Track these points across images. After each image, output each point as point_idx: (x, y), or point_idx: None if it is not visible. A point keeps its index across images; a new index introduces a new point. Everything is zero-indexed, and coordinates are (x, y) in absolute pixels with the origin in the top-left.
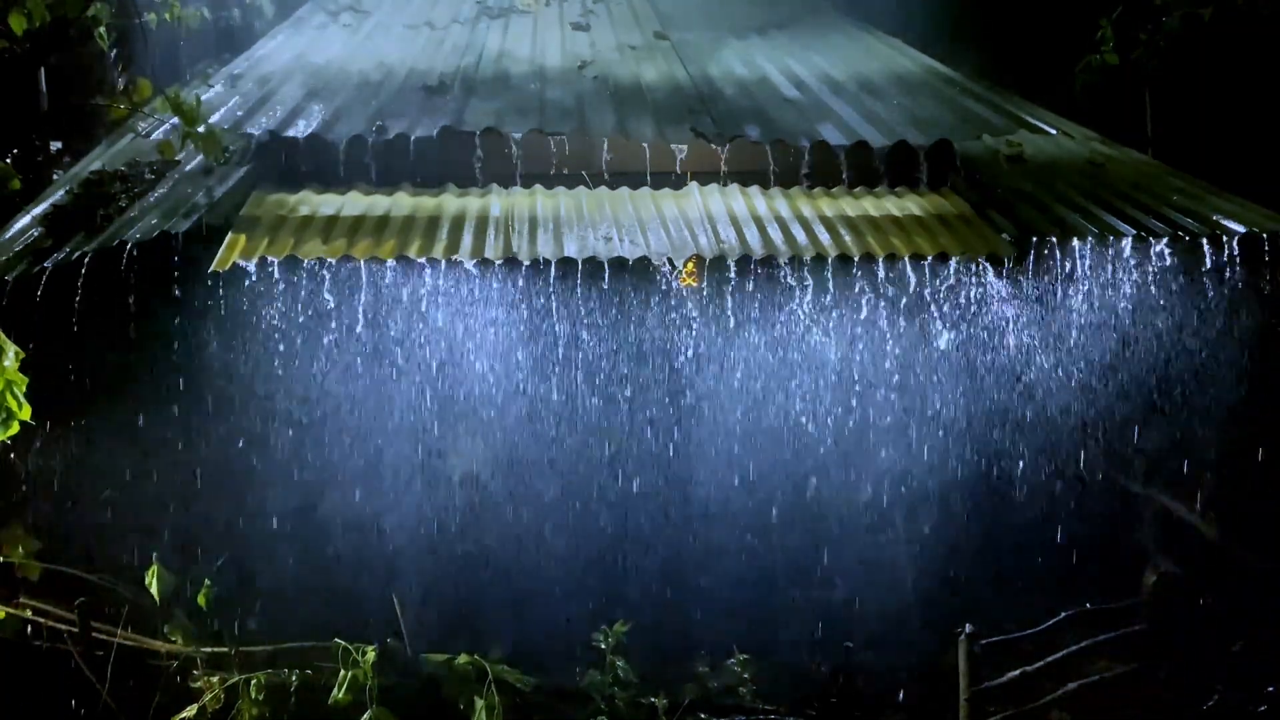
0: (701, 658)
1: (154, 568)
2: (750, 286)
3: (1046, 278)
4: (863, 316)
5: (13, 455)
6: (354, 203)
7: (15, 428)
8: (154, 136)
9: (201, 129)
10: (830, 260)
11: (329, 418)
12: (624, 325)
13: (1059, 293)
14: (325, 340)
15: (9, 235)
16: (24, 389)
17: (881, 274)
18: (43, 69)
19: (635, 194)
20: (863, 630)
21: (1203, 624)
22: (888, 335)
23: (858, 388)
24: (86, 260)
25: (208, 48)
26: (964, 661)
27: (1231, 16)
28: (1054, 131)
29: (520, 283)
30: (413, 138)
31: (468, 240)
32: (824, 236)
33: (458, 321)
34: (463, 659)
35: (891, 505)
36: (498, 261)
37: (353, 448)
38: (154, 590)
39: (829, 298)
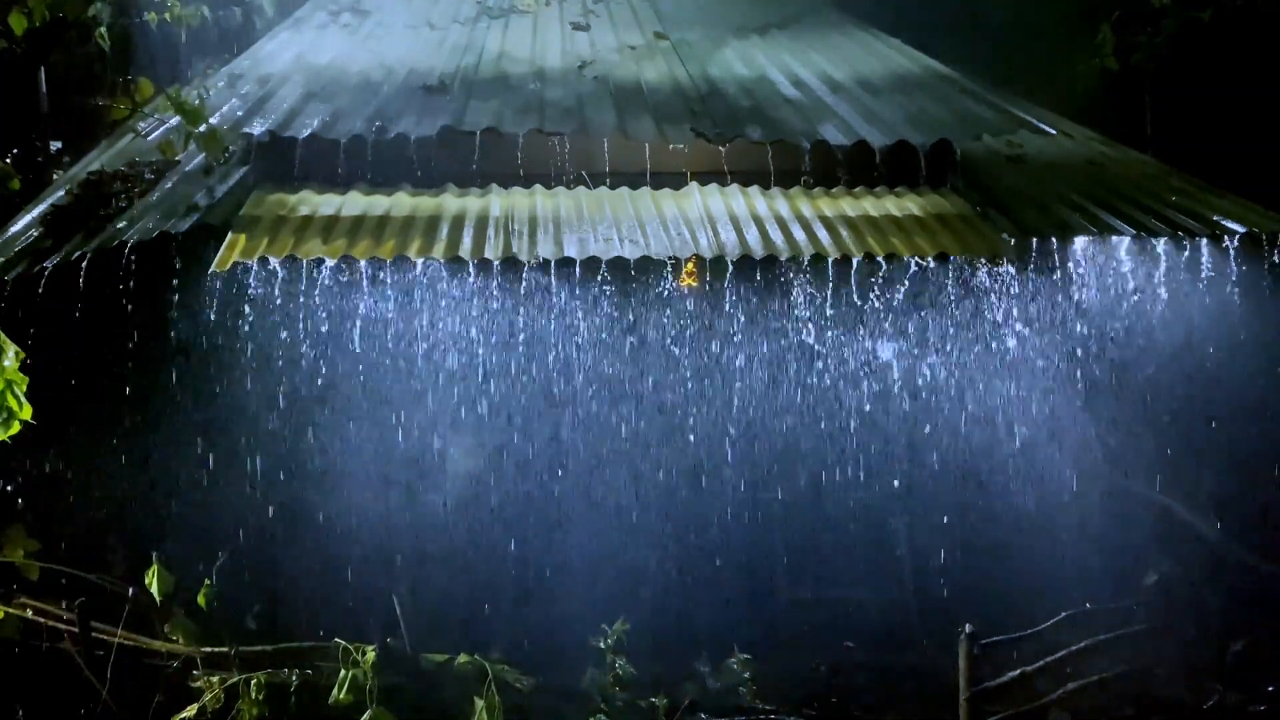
0: (701, 658)
1: (154, 568)
2: (749, 286)
3: (1044, 276)
4: (858, 316)
5: (13, 455)
6: (354, 203)
7: (16, 427)
8: (154, 136)
9: (203, 128)
10: (830, 260)
11: (329, 417)
12: (624, 324)
13: (1052, 291)
14: (325, 340)
15: (9, 235)
16: (24, 389)
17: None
18: (43, 69)
19: (635, 194)
20: (863, 630)
21: (1203, 624)
22: (883, 334)
23: (857, 387)
24: (86, 260)
25: (208, 48)
26: (964, 661)
27: (1230, 16)
28: (1054, 131)
29: (520, 282)
30: (413, 138)
31: (468, 240)
32: (824, 236)
33: (457, 321)
34: (463, 659)
35: (892, 504)
36: (497, 261)
37: (352, 447)
38: (154, 590)
39: (821, 296)
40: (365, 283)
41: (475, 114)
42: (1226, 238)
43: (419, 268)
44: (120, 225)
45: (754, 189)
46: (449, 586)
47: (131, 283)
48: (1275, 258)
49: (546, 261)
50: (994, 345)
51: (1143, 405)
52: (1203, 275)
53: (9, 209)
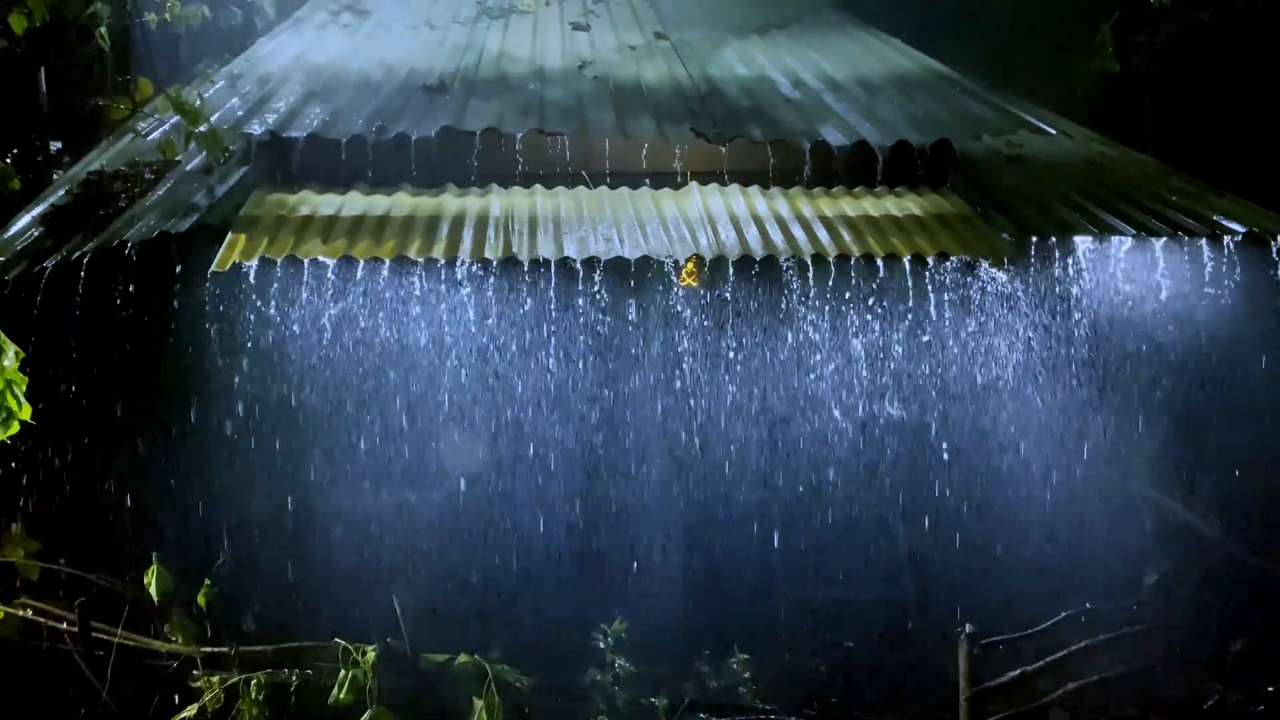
0: (701, 658)
1: (154, 568)
2: (748, 286)
3: (1044, 276)
4: (850, 318)
5: (13, 455)
6: (354, 203)
7: (15, 427)
8: (154, 136)
9: (203, 128)
10: (830, 260)
11: (329, 418)
12: (624, 324)
13: (1051, 291)
14: (324, 341)
15: (9, 235)
16: (24, 389)
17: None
18: (43, 69)
19: (635, 194)
20: (863, 630)
21: (1203, 624)
22: (882, 333)
23: (856, 388)
24: (86, 260)
25: (208, 48)
26: (964, 661)
27: (1230, 16)
28: (1054, 131)
29: (520, 282)
30: (413, 138)
31: (468, 240)
32: (824, 236)
33: (456, 322)
34: (463, 659)
35: (892, 504)
36: (497, 261)
37: (353, 448)
38: (154, 590)
39: (820, 295)
40: (364, 283)
41: (475, 114)
42: (1226, 238)
43: (418, 268)
44: (120, 225)
45: (754, 189)
46: (449, 586)
47: (132, 283)
48: (1275, 257)
49: (546, 261)
50: (994, 346)
51: (1143, 405)
52: (1203, 275)
53: (9, 209)
